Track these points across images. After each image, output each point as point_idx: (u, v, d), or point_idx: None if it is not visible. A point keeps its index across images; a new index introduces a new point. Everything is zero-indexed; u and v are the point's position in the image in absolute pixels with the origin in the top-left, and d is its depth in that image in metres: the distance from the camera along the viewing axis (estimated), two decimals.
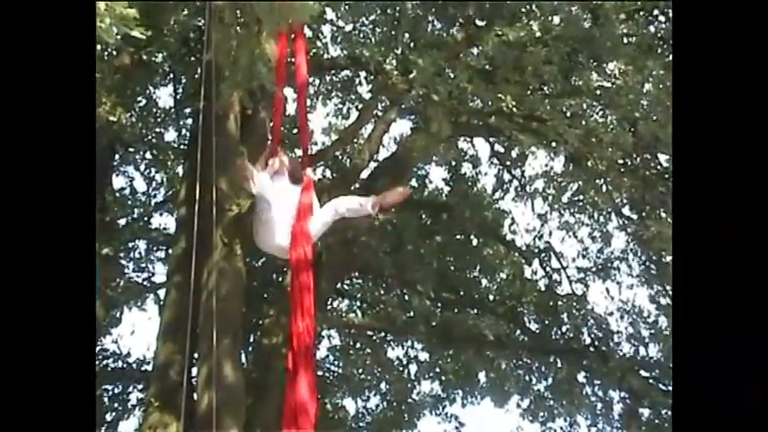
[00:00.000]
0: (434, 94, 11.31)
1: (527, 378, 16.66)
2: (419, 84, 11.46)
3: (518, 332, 16.05)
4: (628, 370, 14.73)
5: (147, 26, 5.43)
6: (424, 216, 16.09)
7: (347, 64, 14.63)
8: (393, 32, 14.09)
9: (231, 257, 10.42)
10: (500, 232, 16.51)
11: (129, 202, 15.32)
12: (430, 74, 11.36)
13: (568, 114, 12.32)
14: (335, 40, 14.80)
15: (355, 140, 15.00)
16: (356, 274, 16.27)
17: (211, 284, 10.10)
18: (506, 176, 16.49)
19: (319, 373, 15.54)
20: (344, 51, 14.73)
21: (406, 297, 16.17)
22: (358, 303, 16.99)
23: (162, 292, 13.60)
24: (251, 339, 13.45)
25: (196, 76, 12.80)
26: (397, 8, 14.05)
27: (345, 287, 16.52)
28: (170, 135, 15.51)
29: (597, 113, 12.99)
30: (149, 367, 12.46)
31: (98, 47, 9.60)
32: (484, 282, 16.70)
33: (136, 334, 20.36)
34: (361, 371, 16.70)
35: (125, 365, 14.63)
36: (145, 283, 15.38)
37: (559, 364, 16.06)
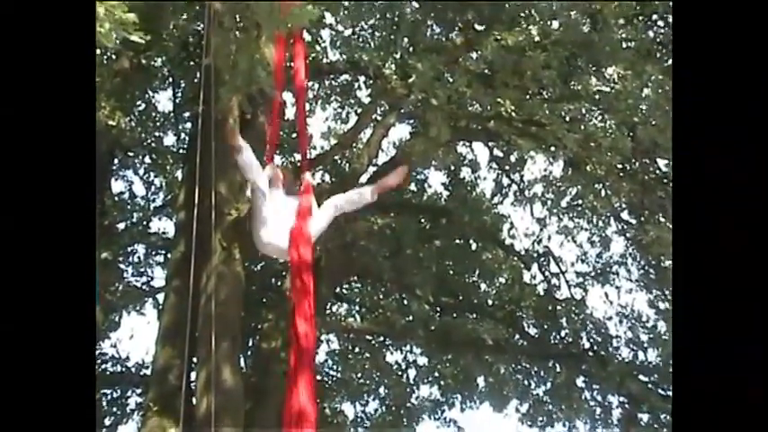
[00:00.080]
0: (433, 99, 11.32)
1: (526, 382, 16.64)
2: (418, 88, 11.47)
3: (517, 337, 16.04)
4: (627, 375, 14.72)
5: (147, 30, 5.43)
6: (422, 220, 16.09)
7: (346, 68, 14.64)
8: (392, 37, 14.10)
9: (230, 262, 10.43)
10: (499, 237, 16.50)
11: (129, 207, 15.32)
12: (429, 78, 11.37)
13: (567, 119, 12.32)
14: (335, 45, 14.82)
15: (354, 145, 14.99)
16: (355, 278, 16.27)
17: (210, 289, 10.10)
18: (505, 181, 16.50)
19: (318, 377, 15.53)
20: (344, 56, 14.74)
21: (405, 301, 16.17)
22: (357, 308, 16.99)
23: (161, 297, 13.59)
24: (250, 344, 13.45)
25: (195, 81, 12.80)
26: (397, 12, 14.06)
27: (344, 291, 16.52)
28: (169, 139, 15.55)
29: (596, 118, 12.99)
30: (148, 371, 12.47)
31: (97, 51, 9.60)
32: (483, 286, 16.70)
33: (135, 338, 20.43)
34: (359, 375, 16.68)
35: (124, 370, 14.62)
36: (144, 287, 15.38)
37: (558, 369, 16.05)
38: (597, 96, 12.21)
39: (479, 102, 12.41)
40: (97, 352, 13.98)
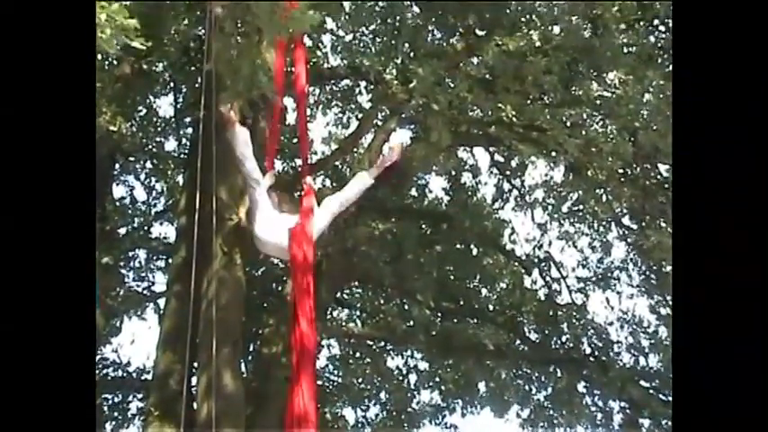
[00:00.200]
0: (434, 104, 11.33)
1: (527, 388, 16.64)
2: (419, 93, 11.48)
3: (518, 342, 16.03)
4: (628, 380, 14.72)
5: (148, 36, 5.43)
6: (423, 226, 16.08)
7: (347, 73, 14.65)
8: (393, 42, 14.10)
9: (231, 267, 10.43)
10: (500, 242, 16.50)
11: (130, 212, 15.32)
12: (430, 83, 11.38)
13: (568, 124, 12.32)
14: (336, 50, 14.84)
15: (355, 150, 15.00)
16: (356, 283, 16.27)
17: (211, 293, 10.10)
18: (506, 186, 16.49)
19: (319, 382, 15.52)
20: (344, 61, 14.75)
21: (406, 306, 16.17)
22: (358, 313, 16.98)
23: (162, 302, 13.61)
24: (251, 348, 13.44)
25: (196, 86, 12.80)
26: (397, 18, 14.07)
27: (345, 296, 16.51)
28: (170, 144, 15.55)
29: (597, 123, 12.99)
30: (149, 376, 12.47)
31: (98, 56, 9.61)
32: (484, 291, 16.69)
33: (136, 343, 20.36)
34: (360, 380, 16.68)
35: (125, 374, 14.62)
36: (145, 292, 15.38)
37: (559, 374, 16.04)
38: (598, 101, 12.20)
39: (480, 107, 12.41)
40: (98, 357, 13.98)
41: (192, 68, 13.29)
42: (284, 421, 6.18)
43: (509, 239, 16.64)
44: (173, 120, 14.99)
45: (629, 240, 15.53)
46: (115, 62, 12.12)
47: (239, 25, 8.31)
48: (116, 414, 14.43)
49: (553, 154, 12.69)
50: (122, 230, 14.95)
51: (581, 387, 16.01)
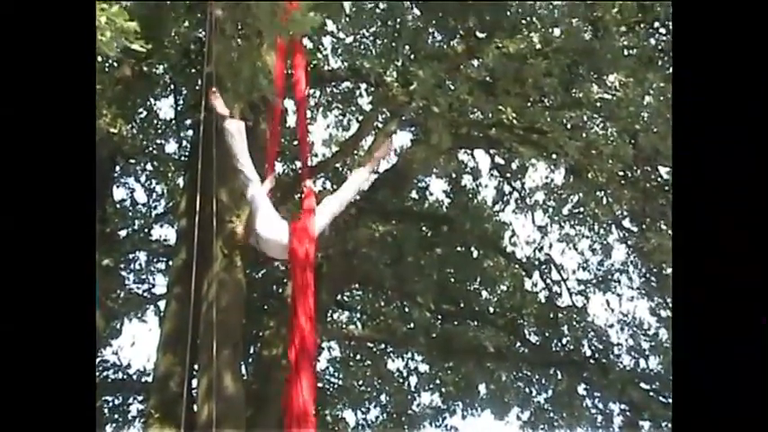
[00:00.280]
0: (435, 106, 11.32)
1: (527, 390, 16.63)
2: (419, 95, 11.48)
3: (518, 344, 16.02)
4: (628, 382, 14.71)
5: (148, 38, 5.43)
6: (424, 228, 16.08)
7: (348, 76, 14.65)
8: (393, 44, 14.11)
9: (231, 269, 10.43)
10: (500, 244, 16.49)
11: (130, 214, 15.32)
12: (430, 86, 11.38)
13: (569, 126, 12.33)
14: (336, 52, 14.83)
15: (356, 152, 15.01)
16: (356, 285, 16.26)
17: (211, 296, 10.10)
18: (507, 188, 16.48)
19: (319, 384, 15.52)
20: (345, 63, 14.75)
21: (407, 309, 16.16)
22: (358, 315, 16.97)
23: (162, 304, 13.60)
24: (251, 351, 13.44)
25: (197, 88, 12.80)
26: (398, 20, 14.08)
27: (345, 299, 16.51)
28: (170, 147, 15.54)
29: (597, 125, 12.99)
30: (149, 378, 12.46)
31: (99, 58, 9.61)
32: (484, 294, 16.69)
33: (136, 345, 20.27)
34: (361, 383, 16.68)
35: (125, 377, 14.62)
36: (145, 294, 15.37)
37: (560, 377, 16.04)
38: (599, 104, 12.20)
39: (481, 109, 12.42)
40: (99, 359, 13.97)
41: (193, 70, 13.29)
42: (283, 418, 6.16)
43: (509, 242, 16.64)
44: (173, 122, 14.99)
45: (629, 243, 15.53)
46: (115, 64, 12.12)
47: (240, 27, 8.31)
48: (116, 416, 14.43)
49: (553, 156, 12.68)
50: (123, 232, 14.95)
51: (581, 389, 16.00)
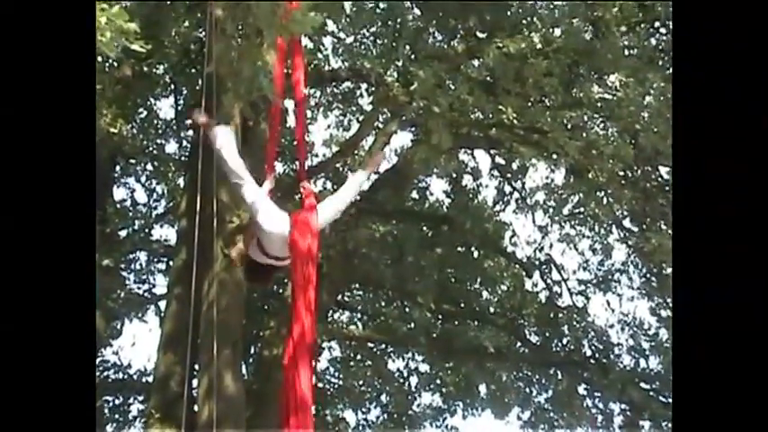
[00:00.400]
0: (435, 106, 11.32)
1: (527, 390, 16.64)
2: (420, 95, 11.48)
3: (518, 344, 16.02)
4: (628, 382, 14.71)
5: (148, 38, 5.44)
6: (424, 228, 16.09)
7: (348, 76, 14.65)
8: (394, 44, 14.11)
9: (231, 269, 10.42)
10: (501, 244, 16.49)
11: (130, 214, 15.30)
12: (431, 86, 11.38)
13: (569, 126, 12.33)
14: (336, 52, 14.84)
15: (356, 152, 15.01)
16: (357, 285, 16.27)
17: (212, 296, 10.10)
18: (507, 188, 16.49)
19: (320, 384, 15.54)
20: (345, 63, 14.76)
21: (407, 309, 16.16)
22: (358, 315, 16.97)
23: (163, 304, 13.60)
24: (251, 351, 13.45)
25: (197, 88, 12.80)
26: (398, 20, 14.08)
27: (346, 299, 16.51)
28: (171, 147, 15.54)
29: (598, 125, 13.00)
30: (150, 379, 12.46)
31: (99, 58, 9.61)
32: (484, 294, 16.69)
33: (136, 345, 20.36)
34: (361, 383, 16.68)
35: (126, 377, 14.62)
36: (146, 294, 15.37)
37: (560, 377, 16.04)
38: (599, 104, 12.21)
39: (481, 109, 12.41)
40: (99, 359, 13.98)
41: (193, 70, 13.30)
42: (281, 410, 6.09)
43: (510, 242, 16.64)
44: (173, 122, 14.99)
45: (629, 243, 15.53)
46: (116, 64, 12.12)
47: (240, 27, 8.31)
48: (117, 416, 14.45)
49: (554, 156, 12.68)
50: (123, 233, 14.93)
51: (581, 389, 16.02)
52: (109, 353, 14.69)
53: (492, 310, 16.45)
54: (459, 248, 16.26)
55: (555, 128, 11.74)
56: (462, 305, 16.14)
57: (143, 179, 15.55)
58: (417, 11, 14.14)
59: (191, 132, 14.00)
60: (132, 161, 15.04)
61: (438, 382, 16.89)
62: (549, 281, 16.41)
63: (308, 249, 6.46)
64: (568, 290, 16.27)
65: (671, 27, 12.14)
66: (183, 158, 14.68)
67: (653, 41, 12.75)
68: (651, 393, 15.11)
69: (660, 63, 12.31)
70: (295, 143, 12.61)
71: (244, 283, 10.73)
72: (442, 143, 11.61)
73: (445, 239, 15.94)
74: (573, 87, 12.63)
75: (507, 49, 11.79)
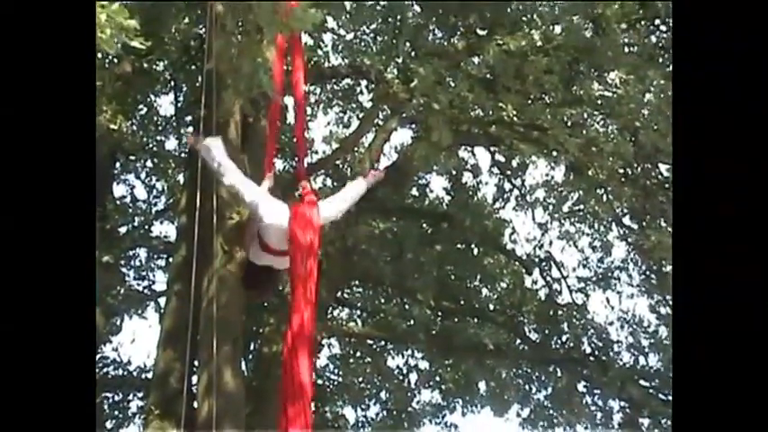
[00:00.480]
0: (435, 103, 11.32)
1: (527, 387, 16.65)
2: (420, 92, 11.48)
3: (518, 341, 16.03)
4: (627, 379, 14.72)
5: (148, 34, 5.44)
6: (424, 225, 16.09)
7: (348, 72, 14.66)
8: (394, 41, 14.11)
9: (231, 265, 10.42)
10: (500, 241, 16.50)
11: (130, 210, 15.30)
12: (431, 83, 11.38)
13: (569, 124, 12.33)
14: (336, 49, 14.85)
15: (356, 149, 15.01)
16: (356, 282, 16.27)
17: (212, 292, 10.09)
18: (507, 186, 16.50)
19: (319, 381, 15.54)
20: (345, 60, 14.76)
21: (407, 306, 16.16)
22: (358, 312, 16.97)
23: (162, 300, 13.60)
24: (251, 347, 13.45)
25: (197, 85, 12.80)
26: (398, 17, 14.07)
27: (345, 296, 16.50)
28: (171, 143, 15.55)
29: (598, 123, 13.00)
30: (149, 375, 12.47)
31: (98, 55, 9.61)
32: (484, 291, 16.69)
33: (136, 342, 20.39)
34: (361, 379, 16.68)
35: (125, 373, 14.62)
36: (145, 291, 15.37)
37: (559, 374, 16.05)
38: (599, 101, 12.21)
39: (481, 106, 12.41)
40: (99, 355, 13.98)
41: (193, 67, 13.30)
42: (280, 397, 5.99)
43: (509, 239, 16.66)
44: (173, 118, 15.00)
45: (629, 240, 15.54)
46: (115, 60, 12.11)
47: (240, 24, 8.31)
48: (116, 413, 14.43)
49: (554, 153, 12.69)
50: (123, 229, 14.93)
51: (581, 386, 16.03)
52: (108, 349, 14.71)
53: (491, 307, 16.45)
54: (458, 245, 16.26)
55: (555, 125, 11.74)
56: (462, 302, 16.14)
57: (143, 176, 15.57)
58: (417, 8, 14.14)
59: (190, 129, 14.01)
60: (132, 158, 15.05)
61: (437, 379, 16.90)
62: (548, 278, 16.42)
63: (309, 243, 6.38)
64: (568, 287, 16.30)
65: (671, 24, 12.14)
66: (182, 155, 14.67)
67: (653, 39, 12.74)
68: (650, 390, 15.13)
69: (660, 60, 12.30)
70: (295, 140, 12.63)
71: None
72: (442, 140, 11.60)
73: (445, 236, 15.95)
74: (573, 85, 12.63)
75: (507, 47, 11.78)
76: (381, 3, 14.32)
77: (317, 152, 15.95)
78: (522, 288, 16.44)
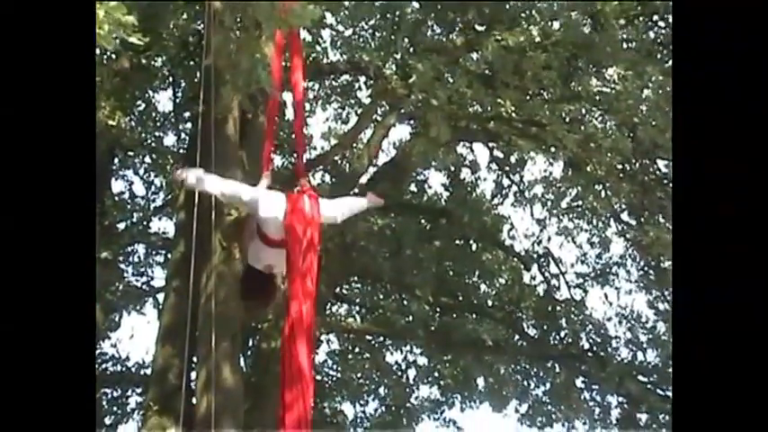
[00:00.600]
0: (434, 99, 11.32)
1: (525, 383, 16.65)
2: (418, 88, 11.48)
3: (516, 337, 16.03)
4: (626, 375, 14.73)
5: (147, 30, 5.44)
6: (423, 221, 16.08)
7: (347, 68, 14.65)
8: (392, 37, 14.10)
9: (230, 261, 10.42)
10: (499, 237, 16.49)
11: (129, 207, 15.29)
12: (429, 79, 11.38)
13: (567, 119, 12.34)
14: (335, 45, 14.84)
15: (355, 145, 15.01)
16: (355, 278, 16.27)
17: (210, 288, 10.09)
18: (505, 182, 16.51)
19: (318, 377, 15.53)
20: (344, 56, 14.75)
21: (405, 302, 16.15)
22: (357, 308, 16.96)
23: (161, 296, 13.58)
24: (250, 343, 13.44)
25: (195, 80, 12.79)
26: (397, 13, 14.07)
27: (344, 292, 16.50)
28: (169, 139, 15.52)
29: (596, 119, 13.01)
30: (148, 371, 12.47)
31: (97, 51, 9.60)
32: (483, 287, 16.67)
33: (135, 338, 20.36)
34: (359, 375, 16.67)
35: (124, 369, 14.62)
36: (144, 287, 15.37)
37: (558, 369, 16.06)
38: (597, 97, 12.22)
39: (480, 102, 12.41)
40: (97, 351, 13.97)
41: (191, 63, 13.28)
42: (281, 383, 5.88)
43: (508, 235, 16.65)
44: (172, 114, 14.98)
45: (627, 236, 15.54)
46: (114, 56, 12.09)
47: (238, 19, 8.30)
48: (115, 408, 14.45)
49: (552, 149, 12.69)
50: (121, 225, 14.92)
51: (579, 382, 16.03)
52: (107, 345, 14.71)
53: (490, 303, 16.44)
54: (457, 241, 16.26)
55: (553, 121, 11.75)
56: (460, 298, 16.14)
57: (141, 172, 15.56)
58: (416, 4, 14.13)
59: (189, 125, 14.00)
60: (131, 154, 15.03)
61: (436, 374, 16.89)
62: (547, 274, 16.42)
63: (309, 237, 6.31)
64: (566, 283, 16.30)
65: (670, 20, 12.15)
66: (181, 151, 14.66)
67: (651, 35, 12.75)
68: (649, 386, 15.14)
69: (659, 56, 12.31)
70: (294, 137, 12.62)
71: (241, 271, 10.73)
72: (440, 136, 11.61)
73: (443, 232, 15.94)
74: (571, 80, 12.64)
75: (506, 43, 11.78)
76: None
77: (315, 148, 15.96)
78: (520, 284, 16.44)
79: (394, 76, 12.24)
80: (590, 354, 15.44)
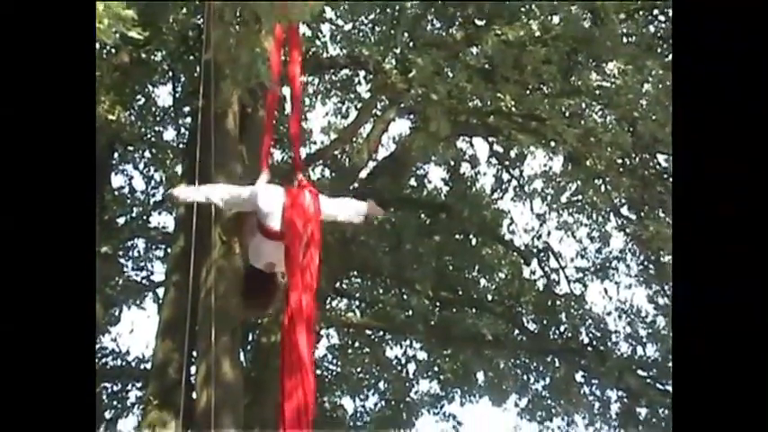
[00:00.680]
0: (433, 94, 11.31)
1: (525, 377, 16.68)
2: (418, 83, 11.47)
3: (516, 332, 16.04)
4: (625, 369, 14.74)
5: (146, 25, 5.44)
6: (422, 215, 16.09)
7: (346, 63, 14.64)
8: (392, 32, 14.09)
9: (230, 256, 10.44)
10: (499, 232, 16.50)
11: (128, 201, 15.31)
12: (429, 73, 11.37)
13: (567, 114, 12.33)
14: (335, 39, 14.82)
15: (354, 140, 15.00)
16: (355, 273, 16.27)
17: (210, 283, 10.11)
18: (505, 176, 16.51)
19: (318, 372, 15.54)
20: (344, 50, 14.74)
21: (405, 296, 16.16)
22: (357, 302, 16.98)
23: (161, 291, 13.60)
24: (249, 338, 13.46)
25: (195, 75, 12.79)
26: (397, 7, 14.05)
27: (344, 286, 16.51)
28: (169, 134, 15.53)
29: (596, 113, 13.00)
30: (148, 365, 12.49)
31: (97, 45, 9.59)
32: (482, 281, 16.69)
33: (135, 332, 20.40)
34: (359, 370, 16.70)
35: (124, 364, 14.64)
36: (144, 281, 15.39)
37: (557, 364, 16.08)
38: (597, 91, 12.20)
39: (479, 97, 12.40)
40: (97, 346, 14.00)
41: (191, 57, 13.27)
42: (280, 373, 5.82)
43: (508, 229, 16.66)
44: (171, 109, 14.97)
45: (627, 230, 15.55)
46: (113, 51, 12.07)
47: (238, 14, 8.30)
48: (115, 403, 14.46)
49: (552, 144, 12.69)
50: (121, 220, 14.95)
51: (579, 376, 16.06)
52: (107, 340, 14.74)
53: (490, 297, 16.46)
54: (457, 236, 16.26)
55: (553, 115, 11.73)
56: (460, 293, 16.16)
57: (141, 166, 15.55)
58: None
59: (189, 120, 14.00)
60: (130, 148, 15.04)
61: (436, 369, 16.92)
62: (546, 268, 16.44)
63: (310, 232, 6.25)
64: (566, 277, 16.31)
65: (670, 14, 12.13)
66: (181, 146, 14.67)
67: (651, 29, 12.73)
68: (648, 381, 15.16)
69: (659, 51, 12.29)
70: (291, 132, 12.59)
71: (242, 269, 10.73)
72: (440, 131, 11.60)
73: (443, 227, 15.95)
74: (571, 75, 12.63)
75: (506, 37, 11.76)
76: None
77: (314, 143, 15.95)
78: (520, 278, 16.45)
79: (394, 70, 12.23)
80: (590, 348, 15.46)
